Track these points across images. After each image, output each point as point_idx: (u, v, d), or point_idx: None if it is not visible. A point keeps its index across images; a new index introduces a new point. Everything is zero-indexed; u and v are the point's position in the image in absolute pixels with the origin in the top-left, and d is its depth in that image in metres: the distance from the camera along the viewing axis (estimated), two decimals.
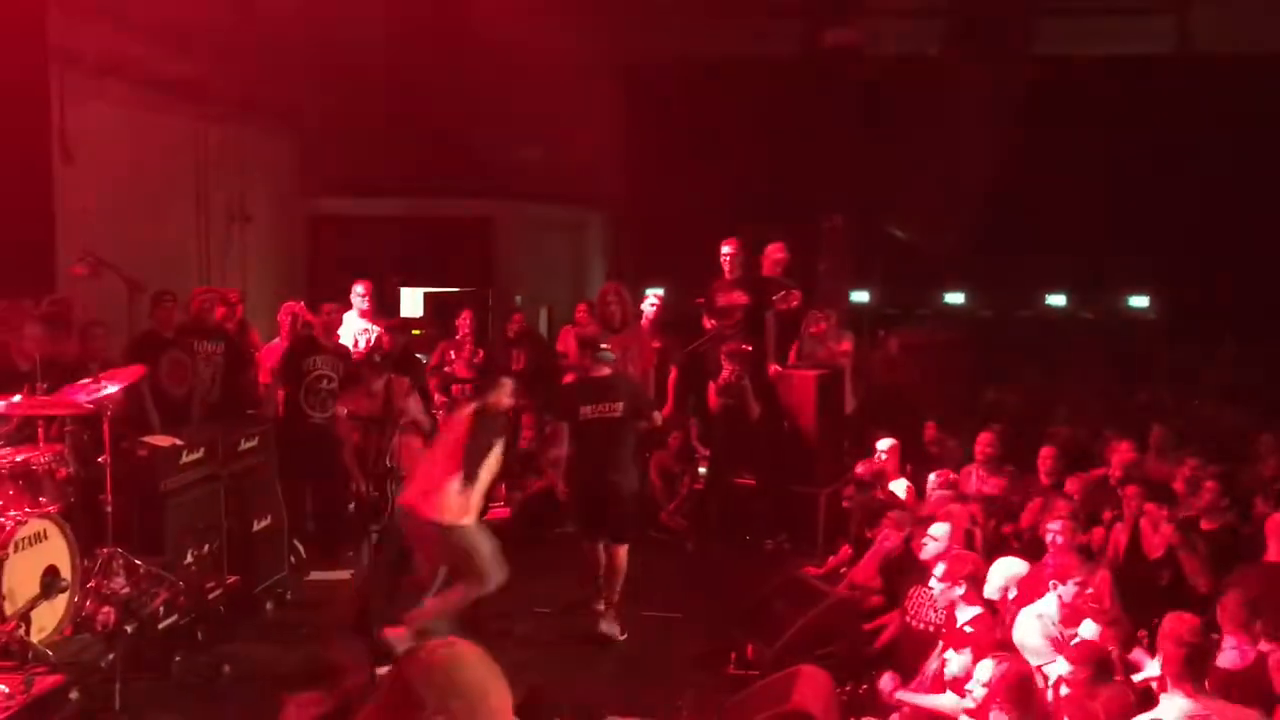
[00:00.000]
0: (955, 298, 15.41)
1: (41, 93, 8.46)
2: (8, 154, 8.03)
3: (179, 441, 6.79)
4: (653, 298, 9.87)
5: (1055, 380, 12.16)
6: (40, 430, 6.04)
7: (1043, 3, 10.51)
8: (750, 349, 8.85)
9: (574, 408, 6.93)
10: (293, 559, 7.78)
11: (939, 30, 10.24)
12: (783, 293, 8.99)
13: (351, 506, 7.52)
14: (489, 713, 2.10)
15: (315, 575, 7.82)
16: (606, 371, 7.07)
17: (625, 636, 6.89)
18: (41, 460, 5.85)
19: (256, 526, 7.34)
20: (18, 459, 5.77)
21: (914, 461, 8.90)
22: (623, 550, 6.92)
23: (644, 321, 9.45)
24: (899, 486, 8.30)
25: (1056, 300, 15.61)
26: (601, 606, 6.88)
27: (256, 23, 11.02)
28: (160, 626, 5.92)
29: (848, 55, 11.44)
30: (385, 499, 6.79)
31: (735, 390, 8.72)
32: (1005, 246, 13.15)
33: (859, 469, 8.30)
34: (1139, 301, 15.08)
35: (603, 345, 7.26)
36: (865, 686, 5.78)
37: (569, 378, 9.12)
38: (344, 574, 7.63)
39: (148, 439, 6.69)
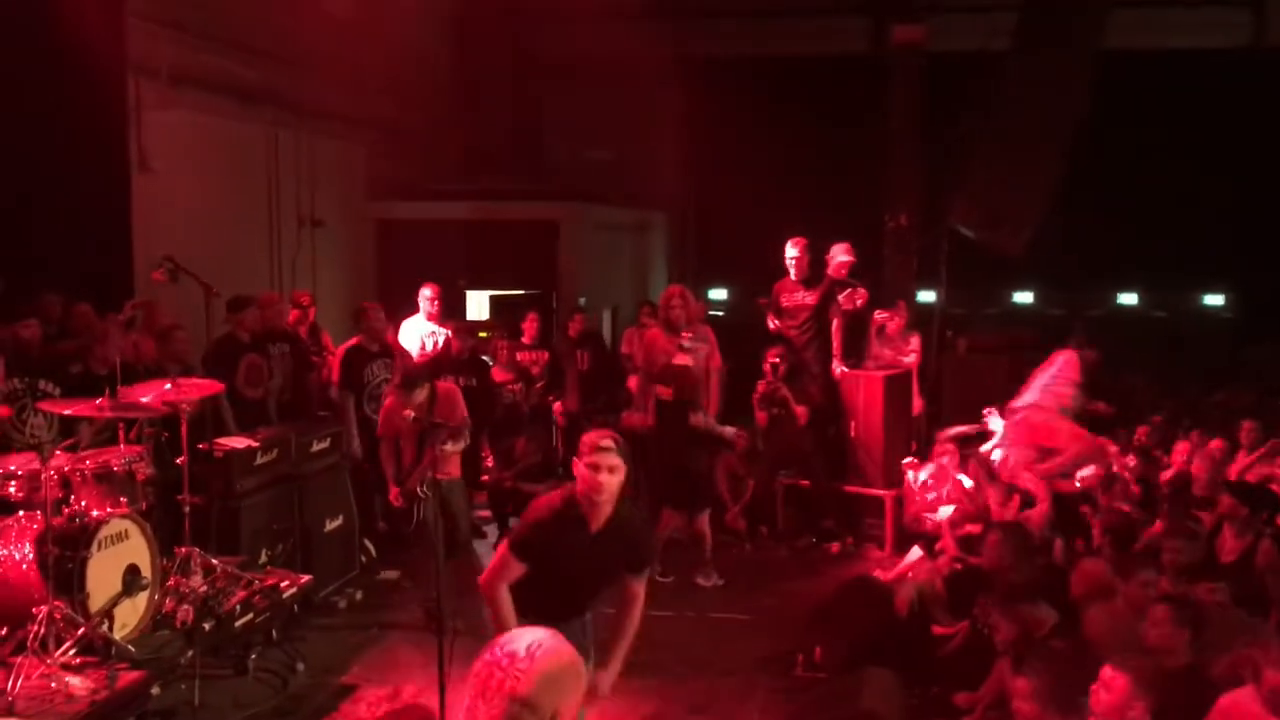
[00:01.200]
0: (1024, 297, 15.21)
1: (119, 103, 8.68)
2: (88, 163, 8.25)
3: (254, 443, 6.92)
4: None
5: (1128, 380, 11.93)
6: (121, 432, 6.19)
7: None
8: (810, 350, 8.87)
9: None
10: (363, 559, 7.89)
11: (1008, 24, 10.08)
12: (849, 290, 8.93)
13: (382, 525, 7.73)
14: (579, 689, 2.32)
15: (385, 575, 7.92)
16: (687, 362, 7.67)
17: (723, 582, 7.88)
18: (122, 462, 5.99)
19: (329, 526, 7.46)
20: (100, 461, 5.92)
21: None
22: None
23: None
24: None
25: (1128, 299, 15.34)
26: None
27: (326, 30, 11.22)
28: (236, 624, 6.03)
29: (915, 51, 11.33)
30: (413, 509, 6.79)
31: (776, 399, 8.74)
32: (1076, 244, 12.93)
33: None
34: (1214, 300, 14.75)
35: (686, 335, 7.77)
36: (935, 690, 5.73)
37: (632, 381, 9.18)
38: (394, 574, 7.78)
39: (223, 441, 6.83)
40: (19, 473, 5.71)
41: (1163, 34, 12.89)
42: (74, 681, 5.16)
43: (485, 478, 9.18)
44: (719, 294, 14.58)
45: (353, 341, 8.47)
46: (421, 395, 6.66)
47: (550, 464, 9.11)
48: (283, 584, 6.49)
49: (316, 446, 7.50)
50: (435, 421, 6.43)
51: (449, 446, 6.70)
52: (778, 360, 8.79)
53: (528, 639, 2.28)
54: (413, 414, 6.39)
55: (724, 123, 12.78)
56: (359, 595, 7.49)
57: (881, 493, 8.81)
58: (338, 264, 12.17)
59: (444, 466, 6.72)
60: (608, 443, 3.98)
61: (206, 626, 5.85)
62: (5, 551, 5.60)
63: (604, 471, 3.92)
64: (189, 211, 9.36)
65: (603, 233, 14.01)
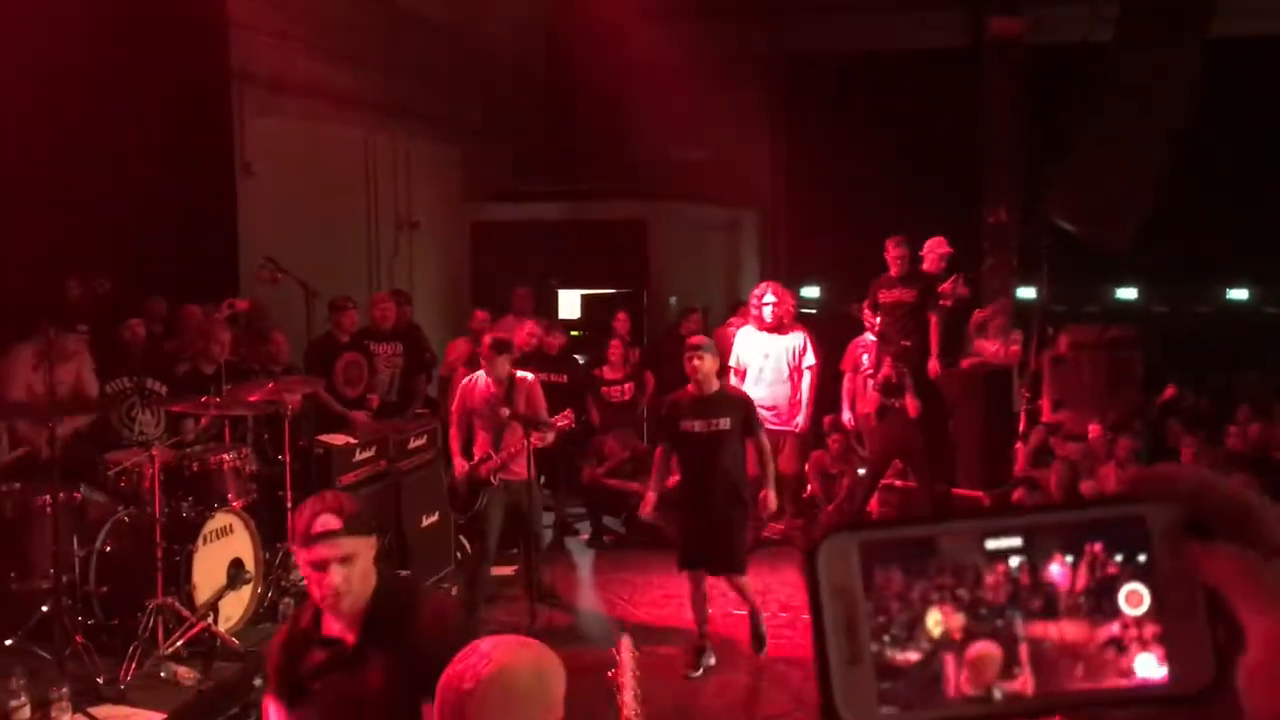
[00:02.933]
0: (1128, 293, 14.77)
1: (224, 110, 8.93)
2: (194, 169, 8.51)
3: (353, 440, 7.05)
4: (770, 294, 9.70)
5: (1237, 380, 11.48)
6: (226, 430, 6.36)
7: None
8: (911, 346, 8.67)
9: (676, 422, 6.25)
10: (459, 554, 7.98)
11: (1111, 14, 9.78)
12: (952, 278, 8.74)
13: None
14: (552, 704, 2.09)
15: (498, 570, 7.98)
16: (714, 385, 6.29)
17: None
18: (227, 458, 6.16)
19: (424, 522, 7.56)
20: (205, 457, 6.09)
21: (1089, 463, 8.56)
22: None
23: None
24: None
25: (1239, 295, 14.80)
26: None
27: (421, 36, 11.40)
28: None
29: (1013, 43, 11.06)
30: (477, 497, 6.76)
31: (897, 389, 8.54)
32: (1181, 238, 12.51)
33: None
34: None
35: (696, 344, 6.30)
36: None
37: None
38: (508, 570, 7.77)
39: (323, 438, 6.96)
40: (130, 468, 5.90)
41: (1274, 19, 12.40)
42: (181, 671, 5.31)
43: (585, 477, 9.19)
44: (810, 292, 14.41)
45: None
46: (506, 365, 6.64)
47: (640, 461, 9.08)
48: None
49: (414, 443, 7.61)
50: (518, 412, 6.48)
51: (539, 437, 6.62)
52: (909, 345, 8.56)
53: (488, 642, 2.17)
54: (507, 411, 6.44)
55: (815, 119, 12.66)
56: (454, 590, 7.57)
57: (980, 494, 8.64)
58: (433, 265, 12.35)
59: (513, 466, 6.70)
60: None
61: None
62: (117, 545, 5.79)
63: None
64: (289, 214, 9.58)
65: (692, 231, 13.97)
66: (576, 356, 10.09)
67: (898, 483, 8.97)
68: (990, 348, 9.09)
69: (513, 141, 13.16)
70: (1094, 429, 9.17)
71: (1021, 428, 9.46)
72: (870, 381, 8.86)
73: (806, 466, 9.17)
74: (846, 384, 9.53)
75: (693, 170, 14.08)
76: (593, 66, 13.18)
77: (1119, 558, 0.57)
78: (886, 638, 0.56)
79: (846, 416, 9.24)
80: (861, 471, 9.20)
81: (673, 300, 12.83)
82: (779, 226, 14.81)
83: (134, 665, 5.26)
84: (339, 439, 7.02)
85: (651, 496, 6.47)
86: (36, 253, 7.03)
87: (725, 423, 6.12)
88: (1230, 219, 12.68)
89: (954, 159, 11.82)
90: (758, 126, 14.10)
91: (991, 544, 0.57)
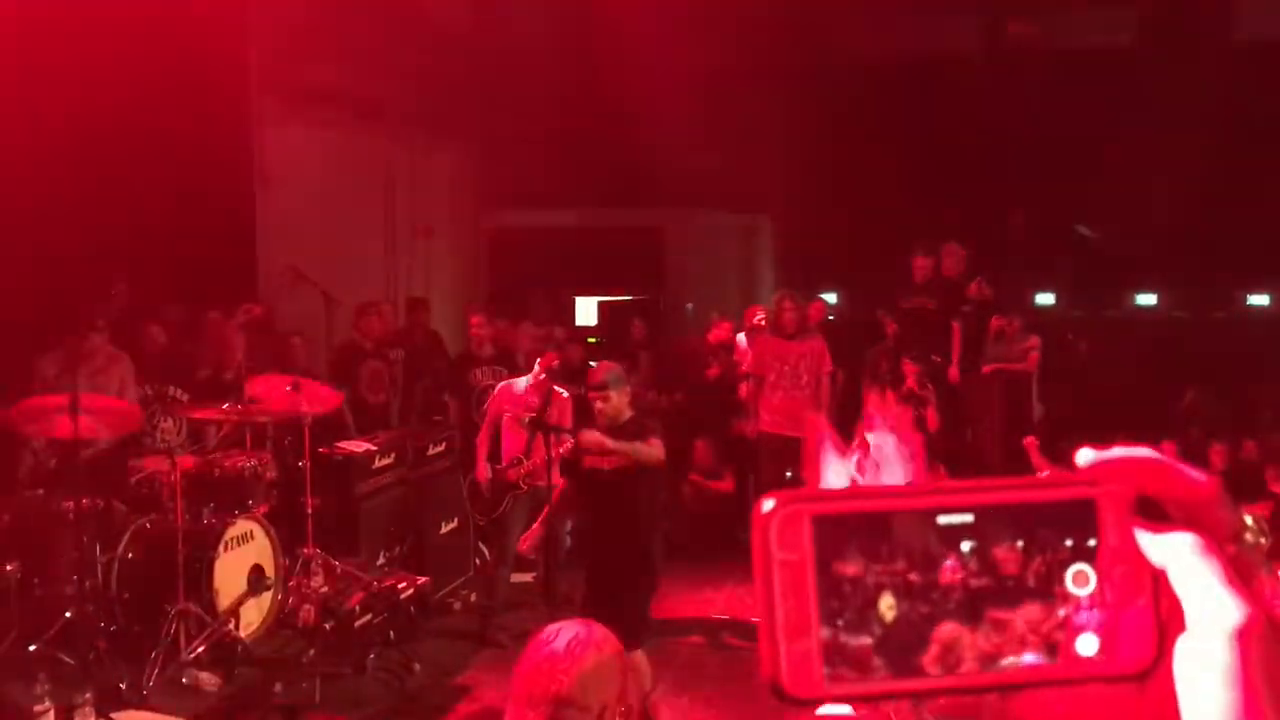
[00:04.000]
0: (1147, 299, 14.69)
1: (243, 120, 8.99)
2: (214, 177, 8.55)
3: (372, 447, 7.07)
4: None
5: (1259, 386, 11.40)
6: (247, 436, 6.39)
7: None
8: (933, 353, 8.66)
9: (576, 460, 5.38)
10: (478, 561, 7.98)
11: (1131, 18, 9.76)
12: (976, 281, 8.73)
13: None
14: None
15: (517, 577, 7.98)
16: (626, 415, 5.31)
17: None
18: (247, 465, 6.18)
19: (444, 529, 7.57)
20: (226, 464, 6.12)
21: None
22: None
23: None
24: None
25: (1259, 300, 14.70)
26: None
27: (439, 46, 11.44)
28: (356, 625, 6.16)
29: (1032, 48, 11.03)
30: (501, 501, 6.78)
31: (918, 399, 8.54)
32: (1201, 243, 12.44)
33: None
34: None
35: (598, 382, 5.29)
36: None
37: (744, 389, 9.04)
38: (527, 577, 7.78)
39: (343, 445, 6.98)
40: (151, 476, 5.93)
41: None
42: (203, 677, 5.33)
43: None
44: (828, 298, 14.41)
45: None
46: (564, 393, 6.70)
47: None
48: (400, 585, 6.61)
49: (432, 450, 7.63)
50: (543, 421, 6.48)
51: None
52: (938, 359, 8.56)
53: (568, 636, 2.27)
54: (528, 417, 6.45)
55: (831, 125, 12.63)
56: (473, 597, 7.58)
57: None
58: (451, 272, 12.38)
59: (545, 474, 6.69)
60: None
61: (327, 626, 5.99)
62: (139, 552, 5.82)
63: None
64: (307, 223, 9.62)
65: (708, 238, 13.98)
66: (594, 365, 10.09)
67: None
68: (1010, 355, 9.06)
69: (530, 149, 13.18)
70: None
71: (1041, 434, 9.42)
72: (889, 390, 8.83)
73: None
74: (866, 392, 9.48)
75: (708, 177, 14.10)
76: (609, 74, 13.21)
77: (1069, 538, 0.58)
78: (836, 613, 0.56)
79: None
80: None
81: (689, 307, 12.84)
82: (794, 233, 14.80)
83: (156, 671, 5.29)
84: (359, 445, 7.05)
85: (537, 530, 6.10)
86: (56, 260, 7.08)
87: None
88: (1250, 224, 12.59)
89: (971, 164, 11.79)
90: (773, 133, 14.10)
91: (944, 519, 0.57)
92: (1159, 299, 14.61)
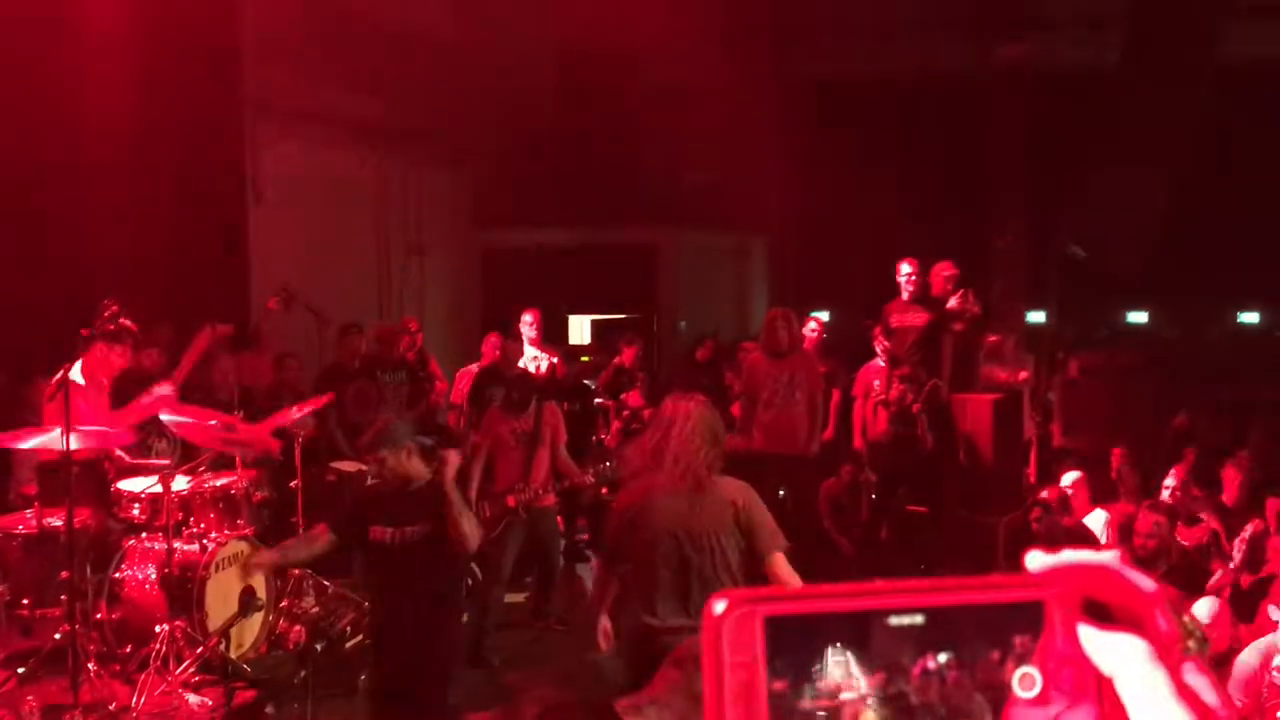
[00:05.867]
0: (1138, 317, 14.76)
1: (236, 138, 9.01)
2: (206, 195, 8.57)
3: (364, 467, 7.04)
4: (813, 322, 9.77)
5: (1250, 404, 11.44)
6: (238, 456, 6.37)
7: (1228, 5, 9.97)
8: (924, 371, 8.67)
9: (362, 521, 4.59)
10: (469, 581, 7.95)
11: (1116, 40, 9.83)
12: (959, 294, 8.74)
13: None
14: None
15: (510, 597, 7.97)
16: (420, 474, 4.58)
17: None
18: (239, 485, 6.17)
19: None
20: (218, 484, 6.11)
21: (1099, 492, 8.53)
22: None
23: (807, 345, 9.35)
24: (1096, 519, 7.95)
25: (1249, 318, 14.78)
26: None
27: (433, 64, 11.48)
28: (347, 646, 6.15)
29: (1020, 70, 11.10)
30: (498, 518, 6.78)
31: (910, 417, 8.54)
32: (1191, 261, 12.51)
33: (1044, 493, 8.01)
34: None
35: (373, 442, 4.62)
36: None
37: (735, 406, 9.06)
38: (520, 597, 7.76)
39: (335, 465, 6.97)
40: (143, 496, 5.91)
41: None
42: (193, 699, 5.31)
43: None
44: (820, 316, 14.44)
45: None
46: (530, 411, 6.73)
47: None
48: None
49: None
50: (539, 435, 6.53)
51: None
52: (928, 379, 8.57)
53: None
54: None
55: (824, 145, 12.70)
56: (465, 617, 7.54)
57: (992, 518, 8.60)
58: (444, 290, 12.39)
59: (542, 496, 6.73)
60: (372, 440, 4.50)
61: (319, 647, 5.96)
62: (130, 572, 5.81)
63: (373, 462, 4.57)
64: (300, 242, 9.64)
65: (702, 256, 14.02)
66: (587, 383, 10.11)
67: (908, 507, 8.93)
68: (1001, 373, 9.07)
69: (523, 167, 13.23)
70: (1115, 455, 9.04)
71: (1033, 453, 9.44)
72: (881, 407, 8.84)
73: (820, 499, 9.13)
74: (858, 409, 9.51)
75: (702, 196, 14.16)
76: (603, 93, 13.27)
77: (1017, 640, 0.58)
78: (787, 717, 0.56)
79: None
80: (873, 497, 9.17)
81: (682, 324, 12.86)
82: (788, 251, 14.85)
83: (147, 692, 5.26)
84: (351, 466, 7.03)
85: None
86: (49, 277, 7.08)
87: (417, 530, 4.46)
88: (1240, 242, 12.67)
89: (962, 184, 11.84)
90: (766, 152, 14.17)
91: (895, 620, 0.58)
92: (1150, 316, 14.69)
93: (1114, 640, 0.57)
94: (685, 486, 4.04)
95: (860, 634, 0.57)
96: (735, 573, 4.07)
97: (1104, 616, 0.57)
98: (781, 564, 4.10)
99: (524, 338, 9.46)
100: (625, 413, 9.81)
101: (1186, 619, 0.58)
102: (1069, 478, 8.29)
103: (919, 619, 0.58)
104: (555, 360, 9.13)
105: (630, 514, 4.19)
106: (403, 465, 4.48)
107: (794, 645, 0.57)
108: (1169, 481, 7.78)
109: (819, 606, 0.58)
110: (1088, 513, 7.94)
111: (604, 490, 8.70)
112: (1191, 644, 0.58)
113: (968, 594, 0.59)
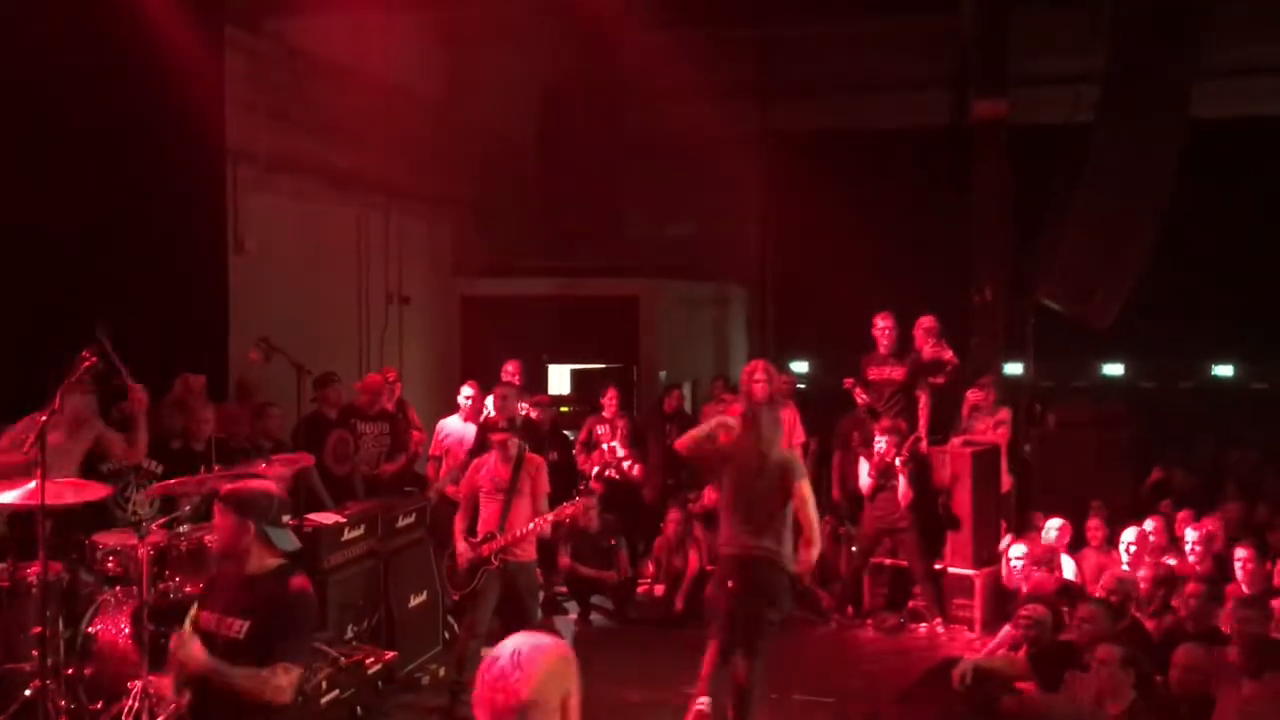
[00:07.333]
0: (1114, 369, 14.88)
1: (218, 187, 9.02)
2: (187, 244, 8.55)
3: (341, 519, 7.01)
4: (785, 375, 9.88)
5: (1226, 456, 11.53)
6: (216, 508, 6.31)
7: (1205, 64, 10.17)
8: (903, 424, 8.71)
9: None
10: (446, 635, 7.89)
11: (1092, 97, 9.99)
12: (931, 344, 8.82)
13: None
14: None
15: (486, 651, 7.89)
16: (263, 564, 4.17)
17: None
18: (215, 537, 6.09)
19: (413, 602, 7.49)
20: (194, 537, 6.04)
21: (1076, 543, 8.57)
22: None
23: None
24: (1065, 565, 8.00)
25: (1224, 371, 14.92)
26: None
27: (415, 114, 11.56)
28: (323, 701, 6.07)
29: (998, 125, 11.26)
30: (474, 576, 6.75)
31: (890, 471, 8.55)
32: (1167, 314, 12.64)
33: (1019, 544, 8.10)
34: None
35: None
36: None
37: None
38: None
39: (312, 517, 6.92)
40: (118, 549, 5.85)
41: (1251, 101, 12.69)
42: None
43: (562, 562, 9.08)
44: (800, 367, 14.49)
45: None
46: (515, 444, 6.73)
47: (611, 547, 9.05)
48: (368, 660, 6.52)
49: (402, 522, 7.57)
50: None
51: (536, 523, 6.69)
52: (905, 427, 8.61)
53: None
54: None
55: (804, 196, 12.81)
56: (442, 671, 7.47)
57: (971, 571, 8.61)
58: (424, 340, 12.38)
59: (515, 548, 6.70)
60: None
61: (296, 702, 5.88)
62: (103, 626, 5.73)
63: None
64: (281, 290, 9.63)
65: (682, 307, 14.07)
66: (567, 433, 10.10)
67: (888, 561, 8.94)
68: (980, 426, 9.13)
69: (504, 217, 13.29)
70: (1094, 508, 9.04)
71: (1011, 505, 9.47)
72: (861, 458, 8.86)
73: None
74: (836, 461, 9.54)
75: (682, 246, 14.24)
76: (583, 144, 13.38)
77: None
78: None
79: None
80: (853, 549, 9.17)
81: (662, 375, 12.88)
82: (768, 302, 14.93)
83: None
84: (328, 518, 6.99)
85: None
86: (27, 325, 7.04)
87: (242, 626, 3.96)
88: (1214, 295, 12.82)
89: (941, 237, 11.96)
90: (747, 204, 14.29)
91: None
92: (1126, 369, 14.80)
93: None
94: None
95: None
96: None
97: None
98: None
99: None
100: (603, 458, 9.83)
101: None
102: (1052, 525, 8.34)
103: None
104: (533, 412, 9.09)
105: None
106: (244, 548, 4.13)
107: None
108: (1128, 536, 7.81)
109: None
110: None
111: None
112: None
113: None
